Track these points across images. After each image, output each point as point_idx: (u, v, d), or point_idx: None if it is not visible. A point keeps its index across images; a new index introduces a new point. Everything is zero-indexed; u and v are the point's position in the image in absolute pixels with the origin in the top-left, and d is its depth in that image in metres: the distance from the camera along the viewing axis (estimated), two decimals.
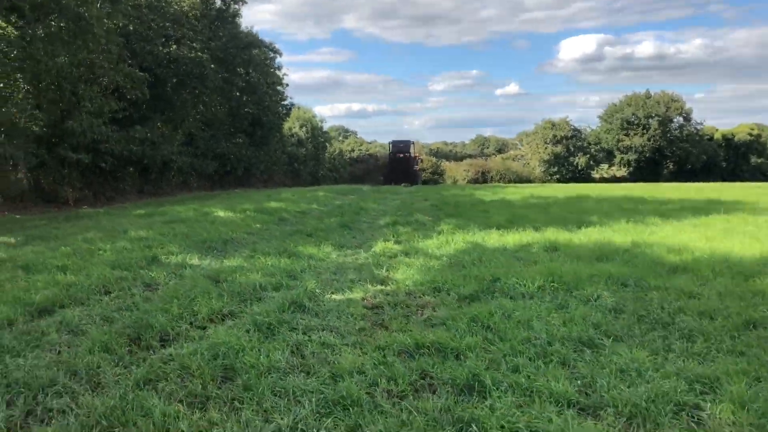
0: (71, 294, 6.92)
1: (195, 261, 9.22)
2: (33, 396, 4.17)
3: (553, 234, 10.97)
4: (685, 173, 71.08)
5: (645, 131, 72.17)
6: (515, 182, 66.62)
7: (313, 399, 4.04)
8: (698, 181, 59.22)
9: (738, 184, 42.11)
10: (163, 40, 26.06)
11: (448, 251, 9.63)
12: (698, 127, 74.54)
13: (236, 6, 32.56)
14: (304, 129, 56.38)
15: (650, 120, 72.74)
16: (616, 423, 3.73)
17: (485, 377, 4.27)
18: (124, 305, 6.65)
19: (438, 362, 4.70)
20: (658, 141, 71.30)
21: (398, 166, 44.54)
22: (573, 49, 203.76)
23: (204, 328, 5.84)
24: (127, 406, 3.90)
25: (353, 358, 4.77)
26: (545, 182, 68.56)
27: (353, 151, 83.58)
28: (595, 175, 76.18)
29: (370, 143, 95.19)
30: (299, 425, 3.70)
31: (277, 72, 39.79)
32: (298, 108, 54.87)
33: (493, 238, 10.69)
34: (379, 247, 10.37)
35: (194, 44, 27.04)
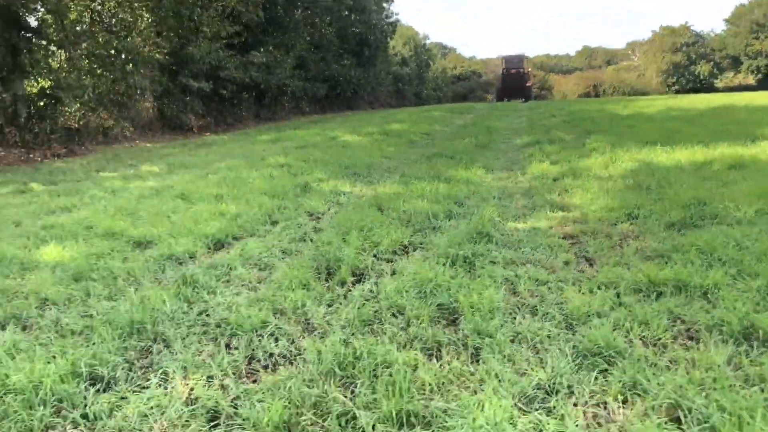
0: (239, 225, 6.67)
1: (347, 188, 8.86)
2: (248, 339, 3.87)
3: (728, 150, 9.81)
4: None
5: None
6: (630, 95, 62.90)
7: (565, 347, 3.50)
8: None
9: None
10: None
11: (617, 171, 8.76)
12: None
13: None
14: (407, 47, 55.02)
15: None
16: None
17: (763, 323, 3.57)
18: (297, 236, 6.34)
19: (684, 303, 4.04)
20: None
21: (512, 82, 42.94)
22: None
23: (390, 261, 5.43)
24: (356, 353, 3.51)
25: (581, 298, 4.19)
26: (663, 94, 64.37)
27: (455, 68, 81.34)
28: (719, 84, 70.73)
29: (469, 59, 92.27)
30: (562, 380, 3.18)
31: None
32: (401, 25, 53.35)
33: (661, 156, 9.68)
34: (534, 168, 9.63)
35: None
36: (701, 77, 69.20)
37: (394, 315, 4.13)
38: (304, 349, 3.68)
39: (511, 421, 2.79)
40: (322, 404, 3.07)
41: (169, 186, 9.14)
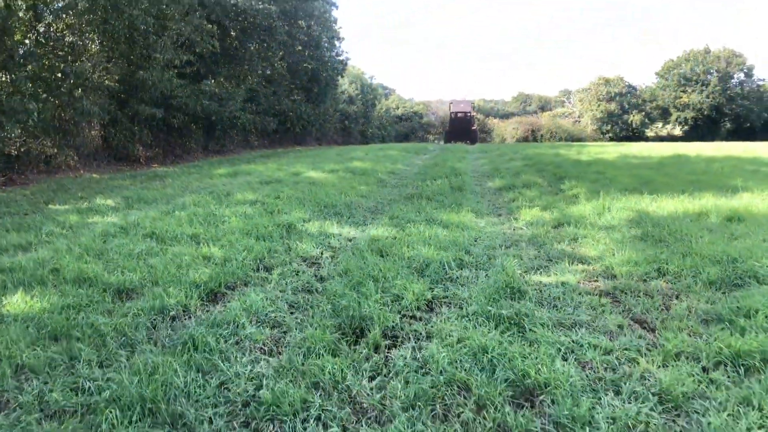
0: (229, 271, 5.92)
1: (335, 229, 8.20)
2: (292, 426, 3.16)
3: (714, 201, 9.67)
4: (743, 132, 68.01)
5: (704, 88, 69.06)
6: (566, 140, 64.62)
7: None
8: (758, 140, 56.48)
9: None
10: None
11: (615, 221, 8.43)
12: (760, 83, 71.04)
13: None
14: (353, 86, 54.95)
15: (709, 76, 69.57)
16: None
17: None
18: (300, 286, 5.65)
19: None
20: (717, 98, 68.22)
21: (459, 125, 44.32)
22: None
23: (418, 318, 4.81)
24: None
25: (665, 373, 3.67)
26: (597, 140, 66.41)
27: (397, 108, 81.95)
28: (649, 133, 73.52)
29: (408, 100, 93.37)
30: None
31: (334, 26, 38.25)
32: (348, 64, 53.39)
33: (651, 205, 9.44)
34: (526, 214, 9.22)
35: None
36: (633, 126, 71.67)
37: (457, 393, 3.50)
38: None
39: None
40: None
41: (134, 223, 8.26)
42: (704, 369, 3.74)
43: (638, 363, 3.87)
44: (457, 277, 5.83)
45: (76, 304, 4.86)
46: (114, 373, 3.69)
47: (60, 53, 17.03)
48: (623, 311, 4.91)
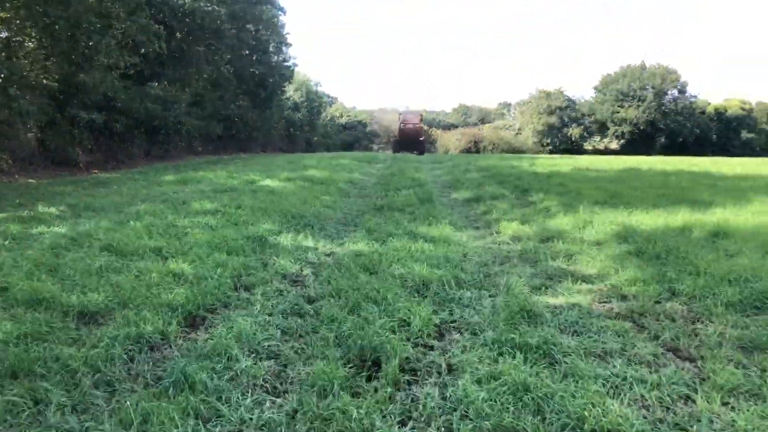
0: (206, 291, 5.27)
1: (309, 243, 7.62)
2: None
3: (692, 215, 9.52)
4: (676, 147, 70.39)
5: (640, 103, 71.17)
6: (508, 152, 65.46)
7: None
8: (690, 155, 58.54)
9: (761, 159, 41.16)
10: None
11: (602, 235, 8.13)
12: (692, 100, 73.81)
13: None
14: (299, 93, 54.16)
15: (645, 92, 71.79)
16: None
17: None
18: (287, 308, 5.07)
19: None
20: (652, 113, 70.41)
21: (408, 136, 44.22)
22: None
23: (430, 347, 4.30)
24: None
25: (731, 415, 3.28)
26: (538, 153, 67.50)
27: (341, 117, 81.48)
28: (588, 146, 75.23)
29: (350, 109, 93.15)
30: None
31: (282, 31, 37.49)
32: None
33: (630, 219, 9.20)
34: (506, 228, 8.85)
35: None
36: (573, 139, 73.28)
37: None
38: None
39: None
40: None
41: (86, 234, 7.47)
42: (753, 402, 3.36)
43: (694, 402, 3.46)
44: (460, 298, 5.35)
45: (35, 332, 4.15)
46: (93, 422, 3.05)
47: None
48: (651, 338, 4.52)
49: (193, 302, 4.96)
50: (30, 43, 16.87)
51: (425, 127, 62.13)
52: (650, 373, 3.84)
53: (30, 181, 15.42)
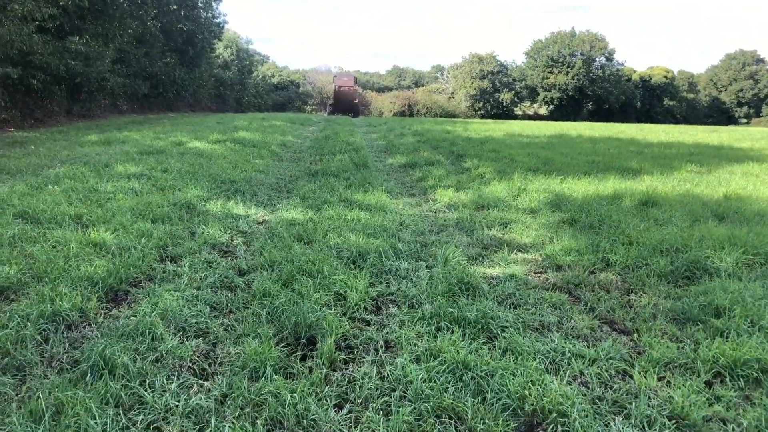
0: (129, 263, 4.96)
1: (240, 210, 7.33)
2: None
3: (623, 184, 9.69)
4: (603, 113, 72.34)
5: (569, 69, 72.39)
6: (441, 116, 65.73)
7: None
8: (615, 121, 60.26)
9: (683, 127, 42.68)
10: None
11: (534, 203, 8.16)
12: (619, 67, 75.60)
13: None
14: (229, 50, 52.46)
15: (574, 58, 73.01)
16: None
17: None
18: (217, 280, 4.83)
19: None
20: (581, 80, 71.79)
21: (343, 98, 44.05)
22: None
23: (367, 322, 4.18)
24: None
25: (668, 392, 3.28)
26: (471, 117, 68.02)
27: (273, 76, 79.67)
28: (518, 111, 76.27)
29: (283, 68, 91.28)
30: None
31: None
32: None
33: (561, 187, 9.28)
34: (442, 195, 8.78)
35: None
36: (504, 104, 74.03)
37: (449, 425, 2.92)
38: None
39: None
40: None
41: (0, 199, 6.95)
42: (707, 383, 3.39)
43: (632, 377, 3.46)
44: (397, 270, 5.23)
45: None
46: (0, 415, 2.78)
47: None
48: (587, 310, 4.52)
49: (115, 275, 4.65)
50: None
51: (360, 90, 61.81)
52: (587, 347, 3.83)
53: None
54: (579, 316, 4.35)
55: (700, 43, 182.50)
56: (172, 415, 2.89)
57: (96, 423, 2.68)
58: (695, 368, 3.53)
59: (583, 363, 3.59)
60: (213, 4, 35.99)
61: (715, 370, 3.50)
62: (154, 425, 2.81)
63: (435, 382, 3.22)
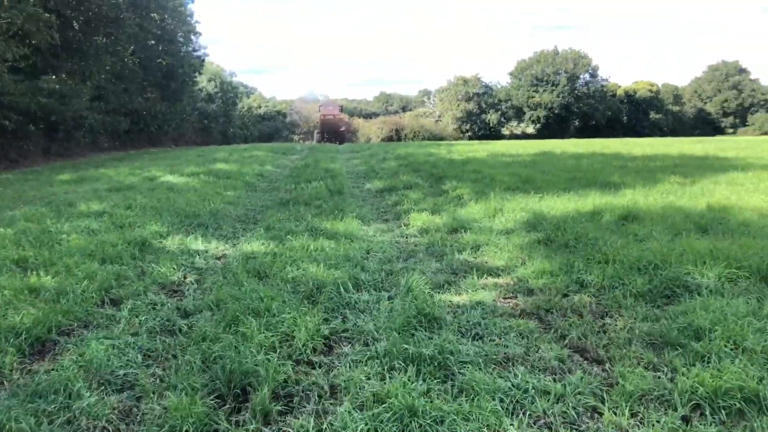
0: (63, 309, 4.58)
1: (199, 245, 6.97)
2: None
3: (602, 199, 9.37)
4: (590, 129, 72.43)
5: (554, 87, 72.71)
6: (429, 139, 65.70)
7: None
8: (603, 137, 60.34)
9: (668, 139, 42.66)
10: None
11: (511, 223, 7.83)
12: (603, 83, 75.98)
13: None
14: (212, 83, 52.46)
15: (559, 76, 73.38)
16: None
17: None
18: (158, 325, 4.44)
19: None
20: (566, 97, 72.07)
21: (329, 126, 44.48)
22: None
23: (314, 364, 3.79)
24: None
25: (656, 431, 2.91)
26: (458, 139, 68.01)
27: (260, 107, 79.76)
28: (505, 131, 76.39)
29: (269, 99, 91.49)
30: None
31: (190, 20, 35.97)
32: (207, 60, 50.78)
33: (540, 205, 8.95)
34: (416, 219, 8.44)
35: None
36: (491, 125, 74.13)
37: None
38: None
39: None
40: None
41: None
42: (684, 419, 3.02)
43: (601, 414, 3.09)
44: (356, 302, 4.87)
45: None
46: None
47: None
48: (557, 338, 4.16)
49: (44, 324, 4.26)
50: None
51: (346, 117, 62.12)
52: (555, 381, 3.46)
53: None
54: (548, 345, 3.98)
55: (678, 47, 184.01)
56: None
57: None
58: (672, 401, 3.16)
59: (548, 401, 3.22)
60: (192, 37, 35.95)
61: (693, 401, 3.13)
62: None
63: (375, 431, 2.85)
